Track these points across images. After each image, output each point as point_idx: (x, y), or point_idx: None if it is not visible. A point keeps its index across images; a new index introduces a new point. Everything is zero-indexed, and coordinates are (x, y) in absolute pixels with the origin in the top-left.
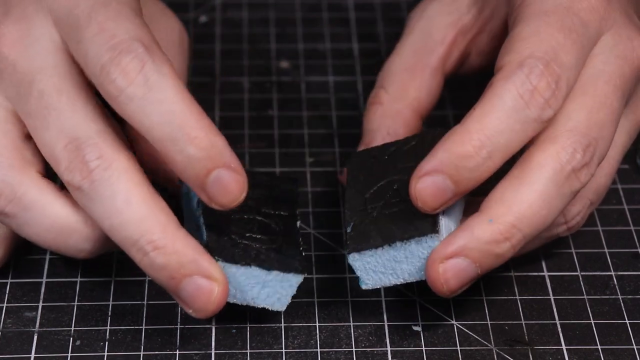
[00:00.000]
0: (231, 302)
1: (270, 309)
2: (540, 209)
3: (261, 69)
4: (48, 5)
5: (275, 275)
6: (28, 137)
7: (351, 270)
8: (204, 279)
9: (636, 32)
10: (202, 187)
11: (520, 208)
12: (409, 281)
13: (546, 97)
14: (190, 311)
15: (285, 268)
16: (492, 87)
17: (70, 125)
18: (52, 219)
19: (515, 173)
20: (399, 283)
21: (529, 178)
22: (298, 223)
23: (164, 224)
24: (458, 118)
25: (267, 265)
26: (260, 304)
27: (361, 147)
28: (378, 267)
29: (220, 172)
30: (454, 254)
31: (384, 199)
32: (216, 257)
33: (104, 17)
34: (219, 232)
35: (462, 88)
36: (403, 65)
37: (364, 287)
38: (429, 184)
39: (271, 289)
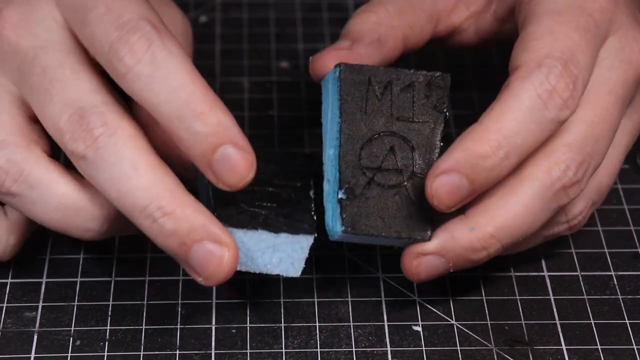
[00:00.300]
0: (244, 270)
1: (284, 275)
2: (523, 223)
3: (261, 69)
4: None
5: (284, 237)
6: (34, 121)
7: (350, 269)
8: (215, 244)
9: None
10: (209, 165)
11: (504, 220)
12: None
13: (564, 97)
14: (200, 279)
15: (294, 230)
16: (510, 86)
17: (74, 97)
18: (58, 197)
19: (505, 182)
20: (366, 243)
21: (518, 190)
22: (311, 192)
23: (172, 190)
24: (458, 119)
25: (274, 228)
26: (274, 270)
27: (340, 47)
28: (359, 239)
29: (226, 149)
30: (431, 252)
31: (379, 161)
32: (223, 223)
33: None
34: (226, 202)
35: (463, 89)
36: None
37: (331, 239)
38: (445, 182)
39: (282, 253)
